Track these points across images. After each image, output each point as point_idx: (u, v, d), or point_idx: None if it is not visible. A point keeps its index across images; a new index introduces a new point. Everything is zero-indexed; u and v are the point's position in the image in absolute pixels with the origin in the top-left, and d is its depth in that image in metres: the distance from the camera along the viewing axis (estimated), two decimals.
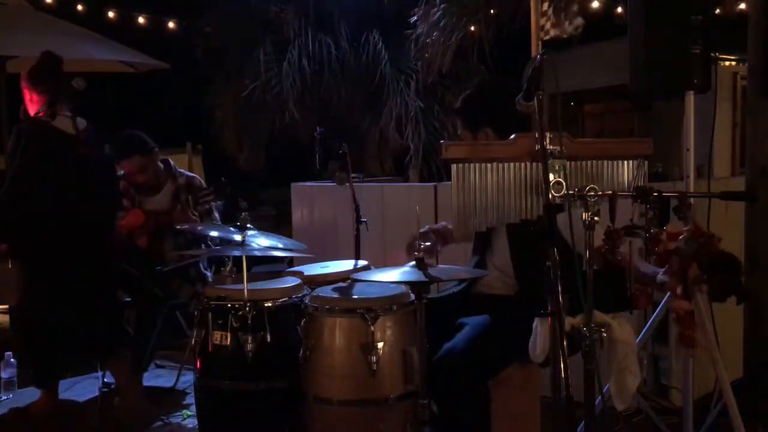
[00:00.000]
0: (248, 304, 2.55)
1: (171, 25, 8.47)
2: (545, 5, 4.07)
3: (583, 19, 4.37)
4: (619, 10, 6.09)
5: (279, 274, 2.97)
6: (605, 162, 2.16)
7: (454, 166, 2.06)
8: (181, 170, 4.22)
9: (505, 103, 2.19)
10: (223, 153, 8.23)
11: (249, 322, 2.54)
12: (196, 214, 3.92)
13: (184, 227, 3.50)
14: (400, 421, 2.39)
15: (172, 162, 4.13)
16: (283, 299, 2.64)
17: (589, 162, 2.14)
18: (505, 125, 2.27)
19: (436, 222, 3.84)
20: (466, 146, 2.21)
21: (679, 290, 2.32)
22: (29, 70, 3.18)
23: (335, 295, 2.56)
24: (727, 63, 7.32)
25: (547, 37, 4.03)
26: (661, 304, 2.78)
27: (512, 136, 2.16)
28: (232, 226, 2.90)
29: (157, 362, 4.30)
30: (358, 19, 7.68)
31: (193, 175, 4.22)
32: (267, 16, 7.86)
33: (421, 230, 2.76)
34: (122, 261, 3.66)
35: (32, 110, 3.14)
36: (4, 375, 3.92)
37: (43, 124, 3.05)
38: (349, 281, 2.77)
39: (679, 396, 2.80)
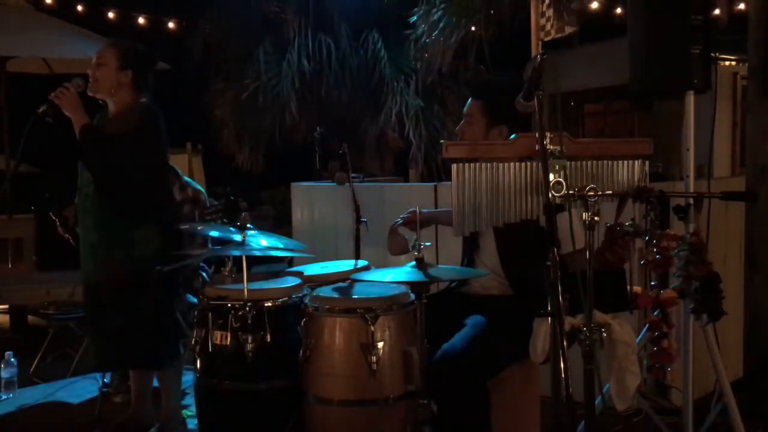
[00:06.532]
0: (248, 304, 2.55)
1: (171, 25, 8.47)
2: (545, 5, 4.08)
3: (578, 19, 4.37)
4: (619, 10, 6.09)
5: (279, 274, 2.96)
6: (605, 162, 2.16)
7: (454, 166, 2.06)
8: (188, 179, 4.19)
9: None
10: (222, 153, 8.22)
11: (249, 322, 2.54)
12: None
13: (184, 227, 3.49)
14: (400, 421, 2.39)
15: (179, 170, 4.09)
16: (283, 299, 2.64)
17: (589, 162, 2.14)
18: (517, 130, 2.24)
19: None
20: (467, 146, 2.21)
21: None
22: None
23: (335, 295, 2.56)
24: (727, 63, 7.32)
25: (549, 38, 4.03)
26: None
27: (512, 136, 2.16)
28: (232, 226, 2.90)
29: None
30: (358, 19, 7.67)
31: (201, 189, 4.18)
32: (267, 16, 7.85)
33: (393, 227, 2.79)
34: None
35: None
36: (4, 375, 3.92)
37: None
38: (349, 281, 2.78)
39: (679, 396, 2.80)
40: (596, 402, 2.07)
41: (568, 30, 4.12)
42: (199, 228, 3.28)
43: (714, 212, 2.67)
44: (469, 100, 2.65)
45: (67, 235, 3.31)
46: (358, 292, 2.58)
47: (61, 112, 2.96)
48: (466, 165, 2.06)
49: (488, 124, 2.56)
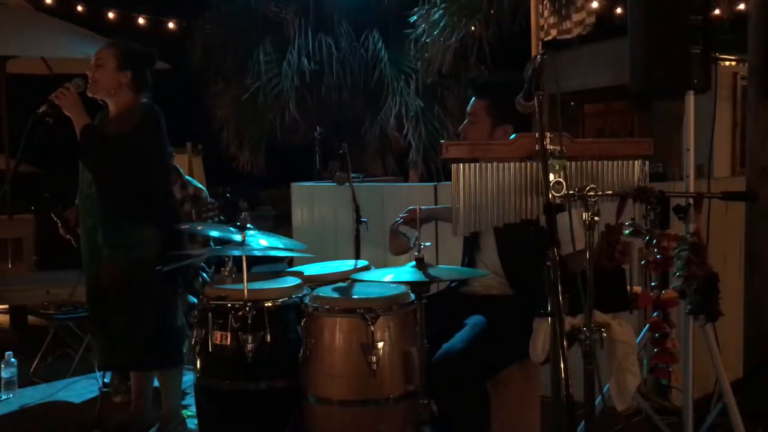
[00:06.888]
0: (248, 304, 2.55)
1: (171, 25, 8.47)
2: (545, 5, 4.08)
3: (588, 15, 4.37)
4: (619, 10, 6.09)
5: (279, 274, 2.97)
6: (605, 162, 2.16)
7: (454, 166, 2.06)
8: (189, 178, 4.19)
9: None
10: (223, 153, 8.22)
11: (249, 322, 2.54)
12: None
13: (183, 227, 3.49)
14: (400, 421, 2.39)
15: (180, 169, 4.10)
16: (283, 299, 2.64)
17: (589, 162, 2.14)
18: (523, 129, 2.22)
19: None
20: (467, 146, 2.21)
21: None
22: None
23: (335, 295, 2.56)
24: (727, 63, 7.33)
25: (549, 38, 4.03)
26: None
27: (512, 136, 2.16)
28: (232, 226, 2.90)
29: None
30: (358, 19, 7.67)
31: (202, 187, 4.19)
32: (267, 16, 7.85)
33: (394, 228, 2.78)
34: None
35: None
36: (4, 375, 3.93)
37: None
38: (349, 281, 2.77)
39: (679, 396, 2.80)
40: (596, 402, 2.07)
41: (573, 27, 4.11)
42: (199, 228, 3.28)
43: (714, 212, 2.68)
44: (473, 99, 2.62)
45: (68, 236, 3.32)
46: (358, 292, 2.58)
47: (61, 113, 2.96)
48: (467, 165, 2.06)
49: (493, 124, 2.54)
